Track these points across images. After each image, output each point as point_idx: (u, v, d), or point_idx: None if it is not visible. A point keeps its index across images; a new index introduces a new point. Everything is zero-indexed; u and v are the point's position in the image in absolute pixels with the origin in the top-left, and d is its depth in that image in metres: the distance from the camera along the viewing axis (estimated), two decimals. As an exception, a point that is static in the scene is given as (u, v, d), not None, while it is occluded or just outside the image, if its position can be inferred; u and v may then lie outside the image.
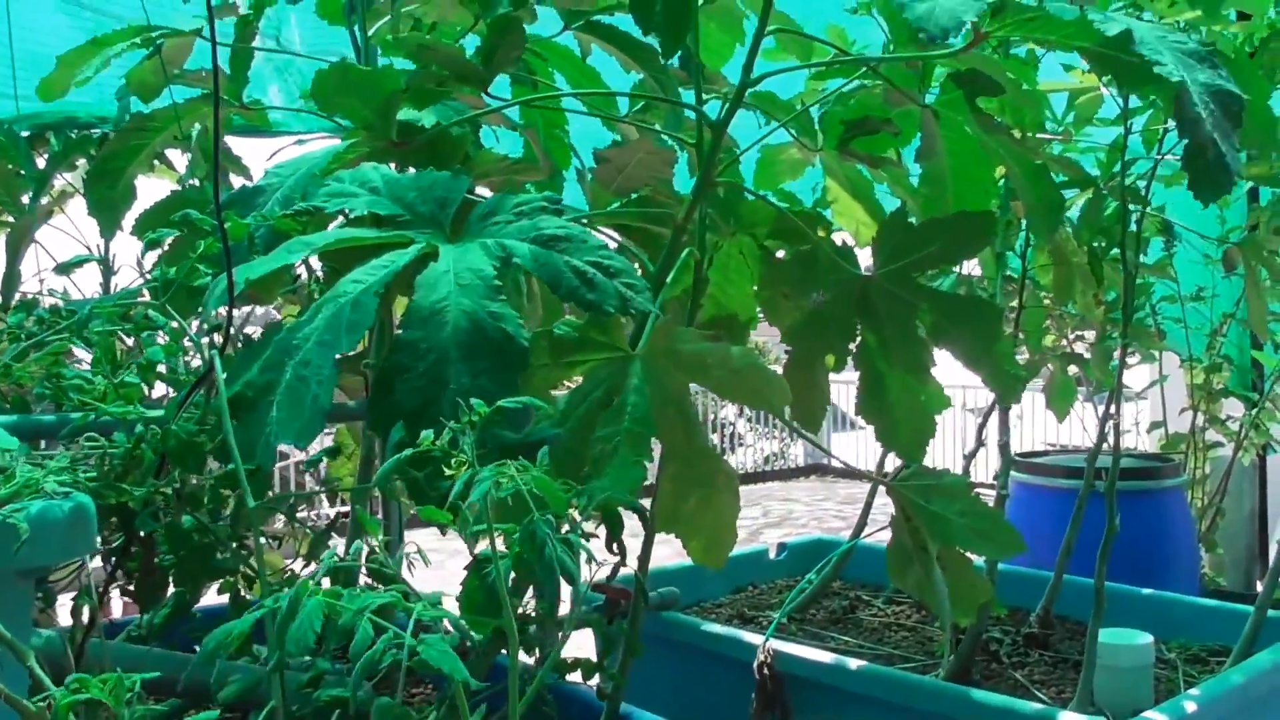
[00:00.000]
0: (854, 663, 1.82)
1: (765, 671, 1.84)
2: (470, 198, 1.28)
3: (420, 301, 1.05)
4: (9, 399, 1.25)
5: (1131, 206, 1.84)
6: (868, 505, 2.53)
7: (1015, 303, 2.24)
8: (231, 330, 1.22)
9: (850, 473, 9.71)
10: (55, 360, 1.20)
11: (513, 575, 0.97)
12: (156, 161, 2.21)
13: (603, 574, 1.18)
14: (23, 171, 2.23)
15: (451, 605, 1.01)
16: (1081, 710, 1.67)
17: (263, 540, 1.63)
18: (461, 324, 1.03)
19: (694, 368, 1.25)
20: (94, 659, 1.04)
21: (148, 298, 1.21)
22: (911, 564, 1.49)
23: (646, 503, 1.28)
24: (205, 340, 1.17)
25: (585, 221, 1.36)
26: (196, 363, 1.22)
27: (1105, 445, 2.04)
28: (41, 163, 2.26)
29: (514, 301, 1.27)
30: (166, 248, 1.50)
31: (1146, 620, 2.00)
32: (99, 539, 1.13)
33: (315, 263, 1.51)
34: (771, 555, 2.68)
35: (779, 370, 1.55)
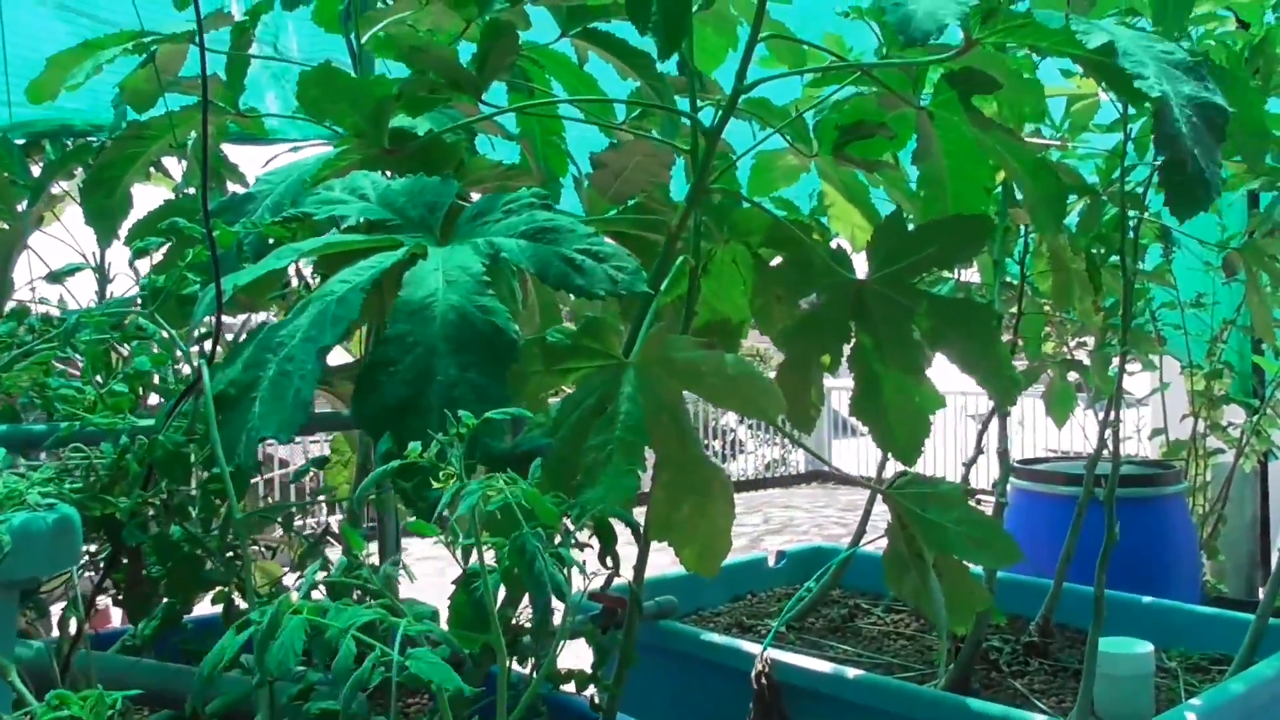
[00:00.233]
0: (851, 672, 1.81)
1: (763, 681, 1.83)
2: (461, 202, 1.27)
3: (408, 297, 1.04)
4: (-1, 409, 1.24)
5: (1130, 213, 1.84)
6: (866, 512, 2.52)
7: (1014, 309, 2.23)
8: (221, 338, 1.21)
9: (847, 480, 9.70)
10: (46, 369, 1.19)
11: (502, 589, 0.96)
12: (153, 169, 2.21)
13: (598, 583, 1.17)
14: (19, 180, 2.22)
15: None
16: (1081, 720, 1.66)
17: (259, 548, 1.62)
18: (449, 318, 1.02)
19: (688, 375, 1.24)
20: (81, 671, 1.03)
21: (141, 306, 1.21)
22: (908, 572, 1.47)
23: (641, 511, 1.27)
24: (195, 349, 1.16)
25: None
26: (187, 371, 1.21)
27: (1106, 452, 2.03)
28: (36, 170, 2.25)
29: (509, 308, 1.26)
30: (162, 256, 1.49)
31: (1147, 628, 1.99)
32: (86, 551, 1.12)
33: (307, 271, 1.50)
34: (770, 563, 2.67)
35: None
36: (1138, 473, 2.96)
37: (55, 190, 2.35)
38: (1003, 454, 2.15)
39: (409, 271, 1.07)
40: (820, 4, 1.79)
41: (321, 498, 1.84)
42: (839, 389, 10.53)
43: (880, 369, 1.50)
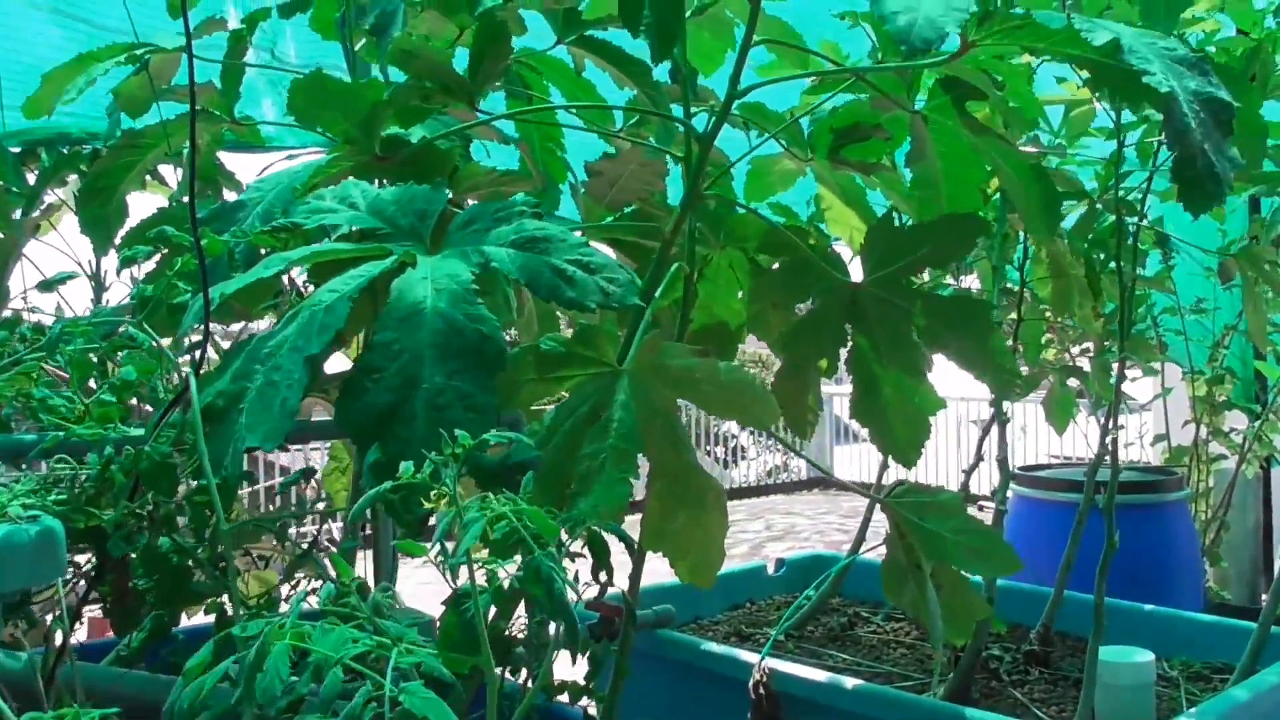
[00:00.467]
0: (850, 681, 1.79)
1: (761, 691, 1.82)
2: (455, 209, 1.26)
3: (395, 304, 1.03)
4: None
5: (1128, 219, 1.83)
6: (866, 520, 2.51)
7: (1014, 315, 2.22)
8: (216, 346, 1.21)
9: (846, 487, 9.68)
10: (35, 379, 1.18)
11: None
12: (149, 178, 2.20)
13: (591, 594, 1.16)
14: (14, 188, 2.22)
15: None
16: (1082, 729, 1.64)
17: (252, 558, 1.61)
18: (437, 325, 1.01)
19: (682, 383, 1.23)
20: (65, 684, 1.02)
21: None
22: (906, 581, 1.46)
23: (635, 520, 1.26)
24: (184, 359, 1.15)
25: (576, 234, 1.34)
26: (178, 381, 1.20)
27: (1107, 458, 2.02)
28: (31, 178, 2.25)
29: (503, 318, 1.25)
30: (154, 264, 1.49)
31: (1148, 637, 1.97)
32: (74, 562, 1.11)
33: (301, 280, 1.49)
34: (770, 571, 2.65)
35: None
36: (1140, 479, 2.95)
37: (51, 199, 2.35)
38: (1002, 462, 2.14)
39: (397, 280, 1.06)
40: (813, 8, 1.78)
41: (315, 508, 1.83)
42: (841, 395, 10.53)
43: (878, 370, 1.49)
